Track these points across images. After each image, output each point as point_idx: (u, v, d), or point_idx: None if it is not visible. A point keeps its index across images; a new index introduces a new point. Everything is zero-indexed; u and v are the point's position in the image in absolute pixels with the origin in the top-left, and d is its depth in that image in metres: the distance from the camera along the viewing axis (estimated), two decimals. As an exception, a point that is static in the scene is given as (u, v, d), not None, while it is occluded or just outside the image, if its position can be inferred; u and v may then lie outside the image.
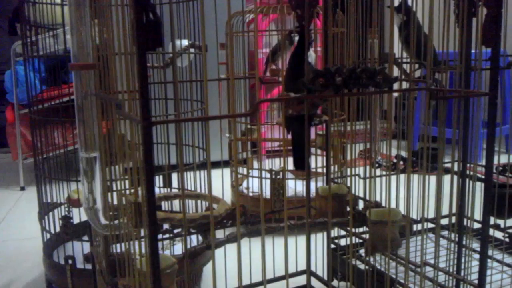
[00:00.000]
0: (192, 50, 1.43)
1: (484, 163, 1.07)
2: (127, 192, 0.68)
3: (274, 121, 2.11)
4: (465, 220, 1.11)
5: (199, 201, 1.41)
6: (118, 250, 0.77)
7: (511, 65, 1.27)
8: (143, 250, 0.64)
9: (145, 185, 0.53)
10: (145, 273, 0.66)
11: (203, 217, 0.74)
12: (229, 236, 0.85)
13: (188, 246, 1.38)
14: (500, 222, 1.45)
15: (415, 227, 1.62)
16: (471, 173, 1.11)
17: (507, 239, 1.46)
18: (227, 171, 1.99)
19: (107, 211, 0.76)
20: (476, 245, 1.55)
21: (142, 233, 0.64)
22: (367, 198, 1.46)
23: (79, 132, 0.75)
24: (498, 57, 0.78)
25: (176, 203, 1.58)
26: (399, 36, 1.27)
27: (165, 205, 1.45)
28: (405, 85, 1.50)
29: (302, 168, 0.90)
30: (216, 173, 1.45)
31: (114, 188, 0.73)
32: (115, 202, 0.74)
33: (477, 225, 1.43)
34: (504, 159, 1.59)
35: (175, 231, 1.30)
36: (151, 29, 0.49)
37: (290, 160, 0.93)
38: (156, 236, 0.53)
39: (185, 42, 1.43)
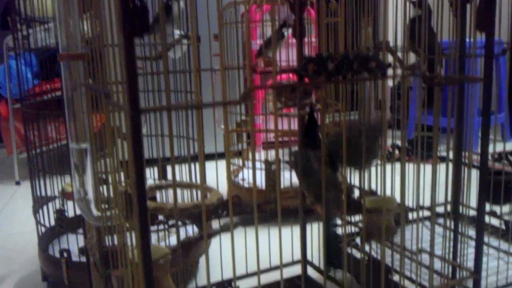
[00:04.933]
0: (185, 41, 1.42)
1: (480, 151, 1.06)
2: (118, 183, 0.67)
3: (269, 110, 2.10)
4: (461, 208, 1.11)
5: (194, 193, 1.40)
6: (111, 242, 0.77)
7: (506, 52, 1.27)
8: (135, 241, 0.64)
9: (134, 174, 0.53)
10: (137, 264, 0.66)
11: (194, 206, 0.73)
12: (223, 226, 0.85)
13: (184, 237, 1.37)
14: (496, 213, 1.45)
15: (410, 216, 1.62)
16: (466, 160, 1.10)
17: (503, 226, 1.46)
18: (222, 163, 1.99)
19: (99, 203, 0.75)
20: (472, 233, 1.55)
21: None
22: (361, 187, 1.46)
23: (69, 124, 0.74)
24: (493, 42, 0.77)
25: (171, 195, 1.58)
26: (406, 27, 1.25)
27: (160, 198, 1.45)
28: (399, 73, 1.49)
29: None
30: (211, 165, 1.44)
31: (106, 180, 0.72)
32: (107, 193, 0.73)
33: (473, 213, 1.43)
34: (500, 147, 1.59)
35: (170, 223, 1.29)
36: (137, 15, 0.49)
37: (285, 151, 0.93)
38: (146, 225, 0.53)
39: (177, 33, 1.42)
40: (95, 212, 0.76)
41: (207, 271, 0.64)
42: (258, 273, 0.65)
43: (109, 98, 0.60)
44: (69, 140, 0.75)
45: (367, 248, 1.32)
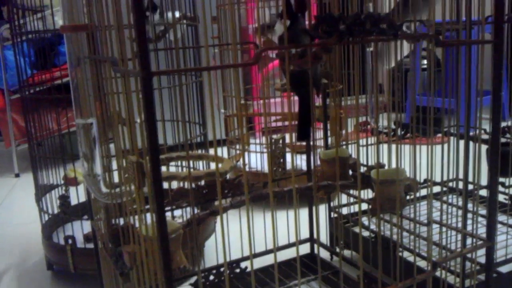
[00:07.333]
0: (183, 22, 1.40)
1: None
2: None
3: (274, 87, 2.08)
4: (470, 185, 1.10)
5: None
6: (121, 218, 0.75)
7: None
8: (148, 216, 0.62)
9: (147, 139, 0.51)
10: (151, 239, 0.64)
11: (208, 174, 0.72)
12: (232, 202, 0.84)
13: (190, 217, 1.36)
14: (504, 183, 1.44)
15: (419, 194, 1.61)
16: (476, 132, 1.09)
17: (509, 201, 1.45)
18: (224, 151, 1.98)
19: (107, 179, 0.74)
20: (480, 209, 1.55)
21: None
22: (368, 164, 1.44)
23: (74, 98, 0.73)
24: (503, 4, 0.76)
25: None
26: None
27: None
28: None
29: (304, 138, 0.87)
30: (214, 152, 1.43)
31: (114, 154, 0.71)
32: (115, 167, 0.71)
33: (482, 193, 1.42)
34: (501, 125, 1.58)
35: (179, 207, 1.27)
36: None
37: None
38: (161, 190, 0.51)
39: (176, 14, 1.40)
40: (103, 188, 0.75)
41: (222, 243, 0.63)
42: (274, 250, 0.64)
43: (116, 65, 0.58)
44: (75, 115, 0.73)
45: (376, 223, 1.31)
